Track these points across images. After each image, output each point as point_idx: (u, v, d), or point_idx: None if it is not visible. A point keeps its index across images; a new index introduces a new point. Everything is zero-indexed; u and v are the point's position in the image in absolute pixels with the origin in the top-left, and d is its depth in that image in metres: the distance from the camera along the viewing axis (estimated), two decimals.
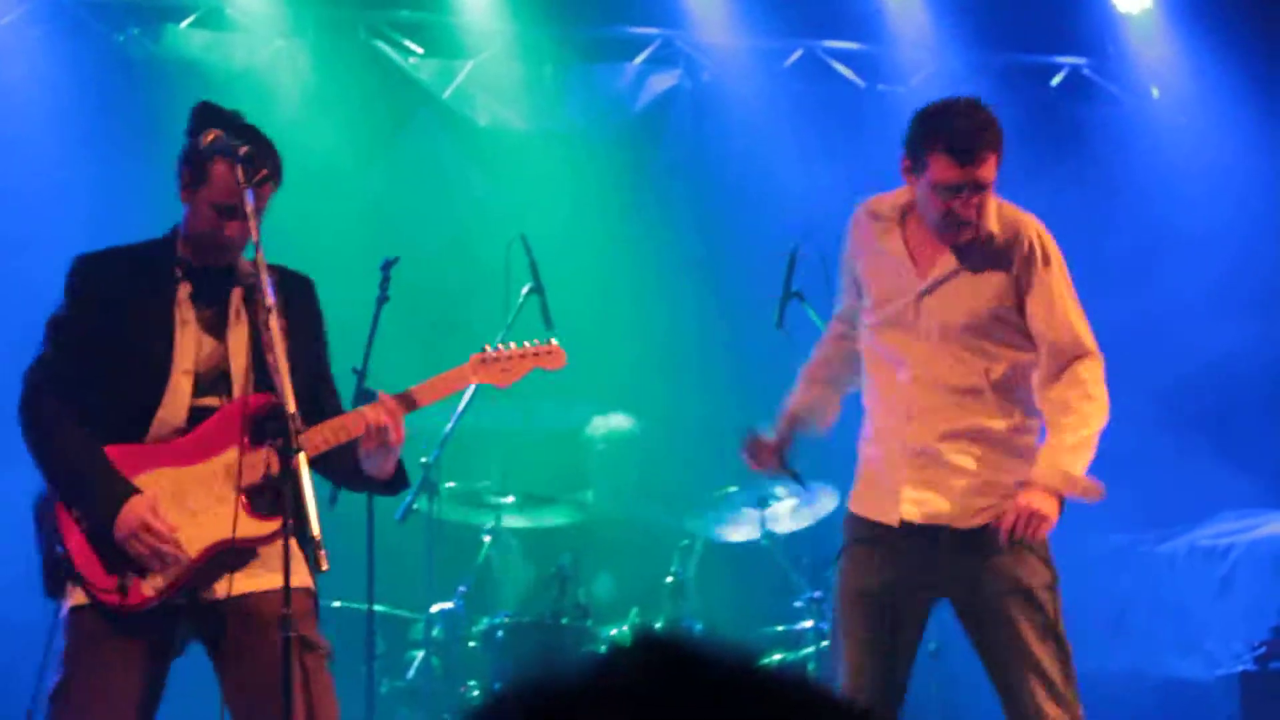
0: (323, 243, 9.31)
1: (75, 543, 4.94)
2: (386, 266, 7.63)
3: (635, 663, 1.44)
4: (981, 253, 5.71)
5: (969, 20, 10.78)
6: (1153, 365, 10.12)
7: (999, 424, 5.74)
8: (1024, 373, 5.76)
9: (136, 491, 4.89)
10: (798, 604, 8.73)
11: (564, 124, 10.81)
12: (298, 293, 5.26)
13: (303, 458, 4.64)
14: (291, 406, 4.69)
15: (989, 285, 5.71)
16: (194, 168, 5.06)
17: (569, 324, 8.52)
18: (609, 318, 10.29)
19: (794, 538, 9.01)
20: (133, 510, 4.86)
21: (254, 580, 4.99)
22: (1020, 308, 5.71)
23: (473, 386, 8.32)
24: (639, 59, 10.88)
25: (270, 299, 4.82)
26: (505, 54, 10.60)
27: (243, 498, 4.94)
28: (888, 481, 5.74)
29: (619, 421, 9.86)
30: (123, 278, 5.09)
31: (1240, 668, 8.40)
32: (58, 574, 4.97)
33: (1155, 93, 11.21)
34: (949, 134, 5.57)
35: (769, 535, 8.88)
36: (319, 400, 5.17)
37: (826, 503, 8.82)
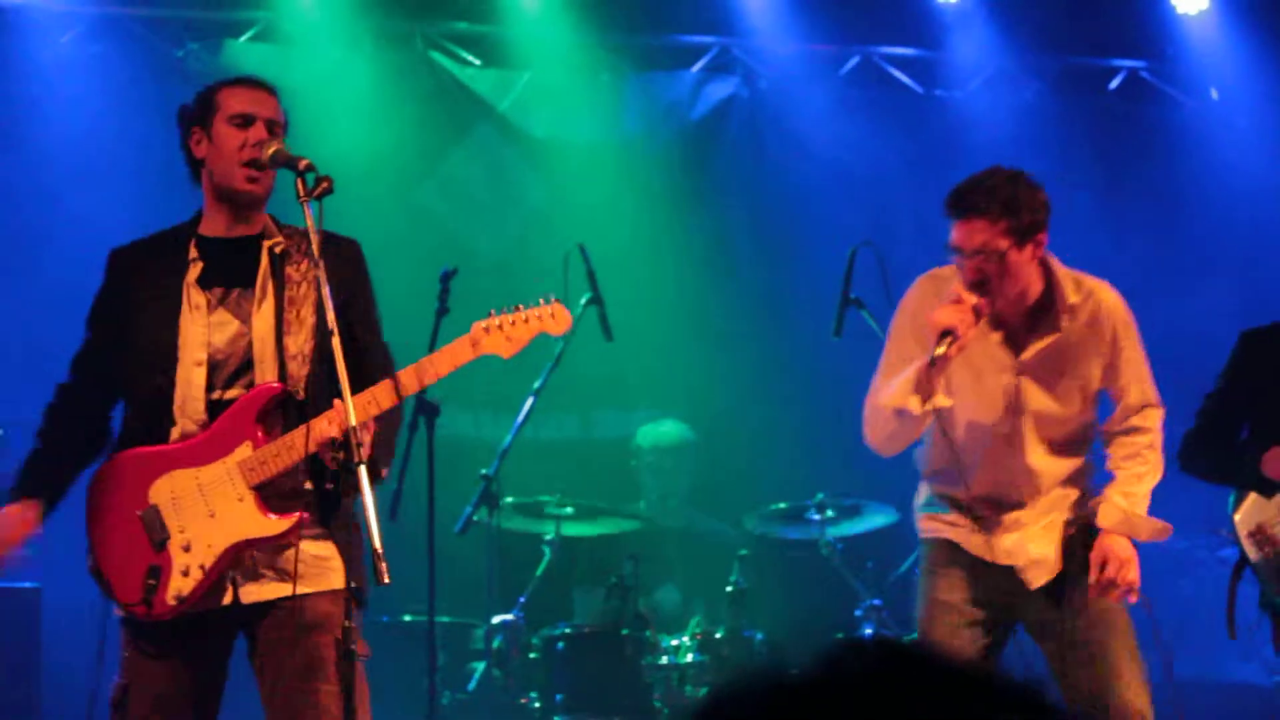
0: (381, 255, 9.30)
1: (102, 555, 4.98)
2: (445, 278, 7.63)
3: (859, 664, 1.44)
4: (1067, 332, 5.79)
5: (1026, 24, 10.75)
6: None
7: (1075, 471, 5.96)
8: (1091, 425, 5.98)
9: (25, 498, 5.03)
10: (858, 612, 8.71)
11: (621, 133, 10.82)
12: (348, 257, 5.12)
13: (364, 471, 4.57)
14: (353, 420, 4.61)
15: (1087, 351, 5.83)
16: (197, 116, 5.03)
17: (628, 334, 8.53)
18: (668, 327, 10.29)
19: (854, 546, 8.99)
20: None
21: (288, 585, 4.91)
22: (1106, 380, 5.89)
23: (532, 399, 8.39)
24: (696, 67, 10.88)
25: (331, 319, 4.70)
26: (562, 64, 10.61)
27: (256, 495, 4.87)
28: (982, 529, 5.89)
29: (668, 429, 9.83)
30: (141, 265, 5.08)
31: None
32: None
33: (1215, 94, 11.15)
34: (952, 191, 5.66)
35: (829, 544, 8.86)
36: (365, 363, 5.01)
37: (882, 517, 8.87)
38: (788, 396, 10.39)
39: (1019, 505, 5.87)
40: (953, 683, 1.44)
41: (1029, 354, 5.78)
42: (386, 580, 4.54)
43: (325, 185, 4.80)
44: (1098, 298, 5.82)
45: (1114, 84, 11.10)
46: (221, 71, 10.01)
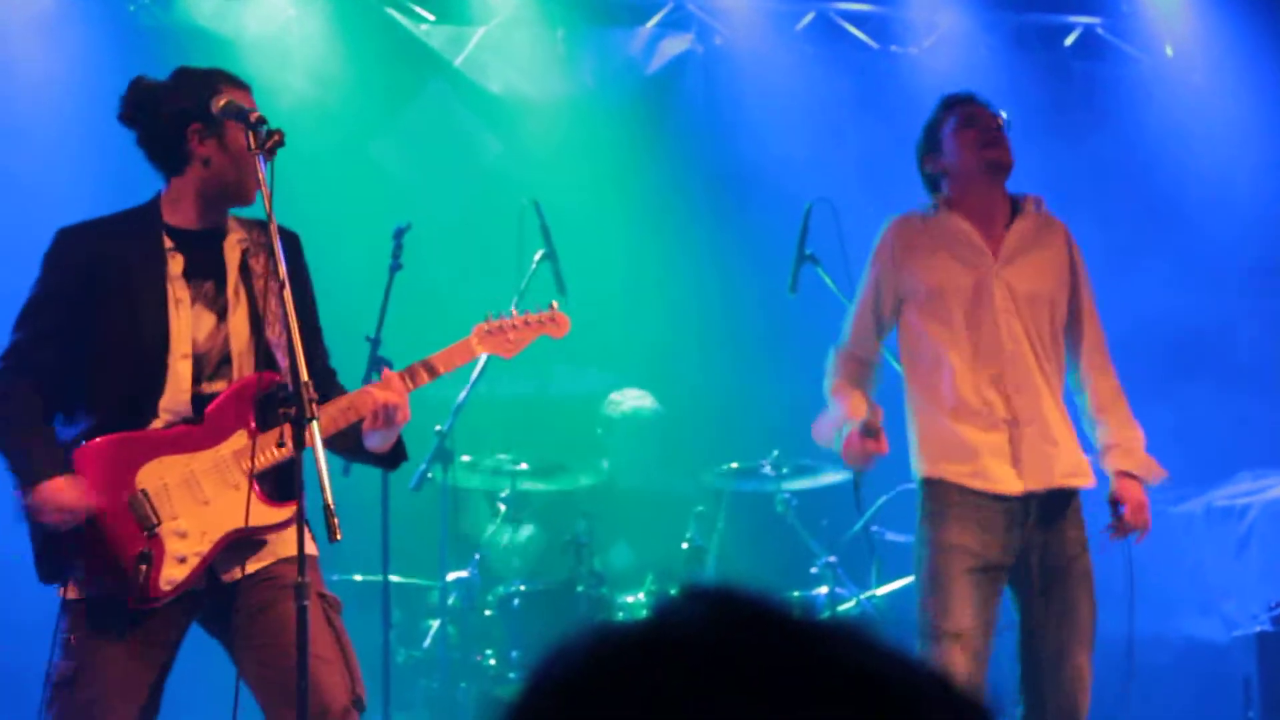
0: (335, 211, 9.29)
1: (78, 541, 4.82)
2: (399, 234, 7.60)
3: (691, 614, 1.42)
4: (1036, 228, 6.14)
5: None
6: (1165, 325, 10.09)
7: (1059, 383, 6.13)
8: (1065, 329, 6.19)
9: (61, 474, 4.77)
10: (814, 569, 8.72)
11: (576, 89, 10.76)
12: (288, 249, 5.01)
13: (316, 427, 4.54)
14: (305, 374, 4.57)
15: (1055, 256, 6.14)
16: (198, 113, 4.92)
17: (582, 289, 8.50)
18: (622, 283, 10.27)
19: (810, 503, 8.99)
20: (50, 489, 4.75)
21: (268, 555, 4.96)
22: (1073, 285, 6.16)
23: (486, 355, 8.36)
24: (651, 23, 10.82)
25: (284, 271, 4.67)
26: (516, 19, 10.54)
27: (256, 484, 4.86)
28: (988, 454, 5.97)
29: (641, 405, 9.77)
30: (108, 252, 4.93)
31: (1257, 628, 8.37)
32: (54, 564, 4.86)
33: (1169, 51, 11.15)
34: (953, 94, 6.22)
35: (784, 500, 8.86)
36: (313, 358, 5.04)
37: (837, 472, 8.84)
38: (743, 352, 10.38)
39: (1027, 392, 5.97)
40: (791, 641, 1.41)
41: (1011, 240, 6.06)
42: (339, 537, 4.51)
43: (277, 138, 4.77)
44: (1046, 208, 6.25)
45: (1068, 40, 11.09)
46: (174, 27, 9.97)
